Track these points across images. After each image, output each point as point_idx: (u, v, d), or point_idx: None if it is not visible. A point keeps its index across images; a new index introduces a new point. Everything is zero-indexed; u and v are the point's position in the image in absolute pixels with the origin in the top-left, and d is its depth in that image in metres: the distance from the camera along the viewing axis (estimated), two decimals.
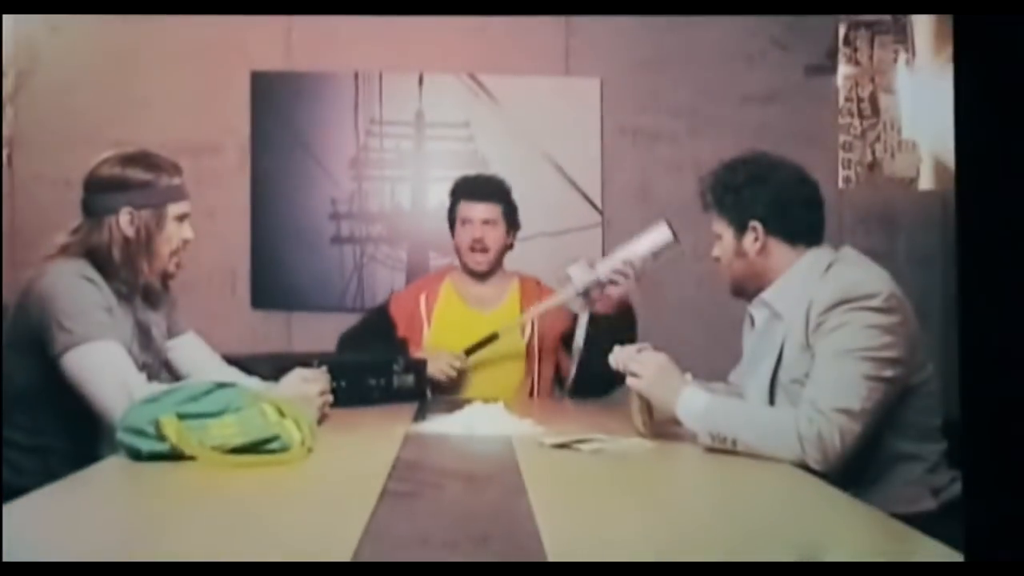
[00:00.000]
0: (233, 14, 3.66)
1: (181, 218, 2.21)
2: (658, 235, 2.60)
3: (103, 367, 2.01)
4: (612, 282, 2.60)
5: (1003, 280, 1.03)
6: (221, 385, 1.87)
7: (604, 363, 2.49)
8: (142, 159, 2.20)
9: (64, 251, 2.15)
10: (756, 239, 2.08)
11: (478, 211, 2.96)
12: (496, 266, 3.01)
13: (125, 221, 2.15)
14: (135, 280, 2.18)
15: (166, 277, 2.28)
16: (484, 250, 2.95)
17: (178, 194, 2.21)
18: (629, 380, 2.04)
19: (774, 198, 2.08)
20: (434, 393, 2.81)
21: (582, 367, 2.76)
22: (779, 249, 2.08)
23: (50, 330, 2.03)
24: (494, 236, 2.96)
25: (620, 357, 2.08)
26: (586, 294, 2.65)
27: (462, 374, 2.87)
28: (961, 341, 1.04)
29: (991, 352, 1.03)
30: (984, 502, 1.02)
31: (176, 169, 2.22)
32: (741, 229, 2.09)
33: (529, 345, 2.95)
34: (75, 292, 2.07)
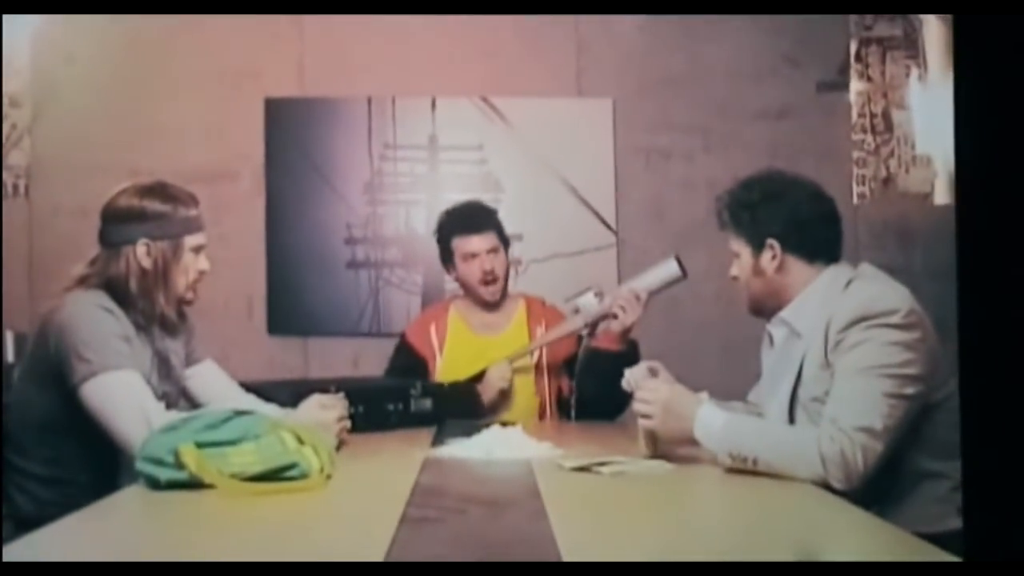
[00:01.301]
0: (246, 14, 3.66)
1: (197, 249, 2.22)
2: (666, 269, 2.67)
3: (122, 397, 2.01)
4: (615, 315, 2.67)
5: (1001, 285, 1.02)
6: (239, 413, 1.87)
7: (602, 398, 2.52)
8: (159, 190, 2.21)
9: (82, 282, 2.16)
10: (774, 257, 2.07)
11: (480, 243, 2.93)
12: (504, 292, 3.01)
13: (142, 252, 2.16)
14: (152, 311, 2.18)
15: (182, 304, 2.28)
16: (495, 280, 2.95)
17: (195, 225, 2.22)
18: (641, 421, 2.02)
19: (790, 215, 2.07)
20: (488, 412, 2.83)
21: (580, 399, 2.79)
22: (797, 267, 2.07)
23: (69, 360, 2.03)
24: (500, 263, 2.96)
25: (631, 383, 2.07)
26: (594, 325, 2.73)
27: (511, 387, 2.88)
28: (960, 343, 1.04)
29: (990, 356, 1.02)
30: (984, 504, 1.01)
31: (193, 200, 2.23)
32: (758, 247, 2.08)
33: (538, 365, 2.94)
34: (93, 322, 2.07)
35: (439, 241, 3.02)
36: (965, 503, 1.04)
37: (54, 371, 2.06)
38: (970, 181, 1.06)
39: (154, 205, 2.17)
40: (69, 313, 2.08)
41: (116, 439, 2.00)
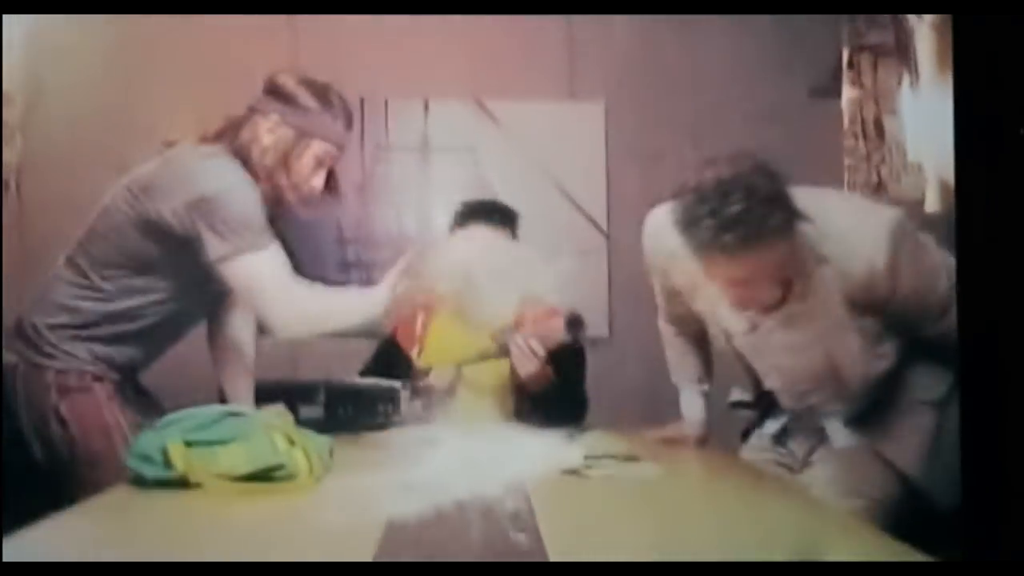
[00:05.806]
0: (238, 13, 3.66)
1: (319, 161, 2.20)
2: (555, 329, 2.66)
3: (268, 277, 2.05)
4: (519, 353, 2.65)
5: (1001, 285, 1.03)
6: (232, 414, 1.87)
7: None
8: (319, 87, 2.23)
9: (218, 138, 2.19)
10: None
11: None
12: None
13: (268, 126, 2.17)
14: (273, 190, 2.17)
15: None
16: None
17: (326, 132, 2.20)
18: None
19: None
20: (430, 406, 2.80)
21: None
22: None
23: (209, 232, 2.03)
24: None
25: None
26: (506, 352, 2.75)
27: (454, 386, 2.87)
28: (961, 344, 1.04)
29: (990, 361, 1.03)
30: (983, 504, 1.01)
31: (344, 113, 2.23)
32: None
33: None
34: (236, 196, 2.07)
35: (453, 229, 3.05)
36: (964, 499, 1.05)
37: (165, 225, 2.06)
38: (969, 180, 1.07)
39: (303, 93, 2.18)
40: (211, 178, 2.07)
41: (262, 318, 2.05)
